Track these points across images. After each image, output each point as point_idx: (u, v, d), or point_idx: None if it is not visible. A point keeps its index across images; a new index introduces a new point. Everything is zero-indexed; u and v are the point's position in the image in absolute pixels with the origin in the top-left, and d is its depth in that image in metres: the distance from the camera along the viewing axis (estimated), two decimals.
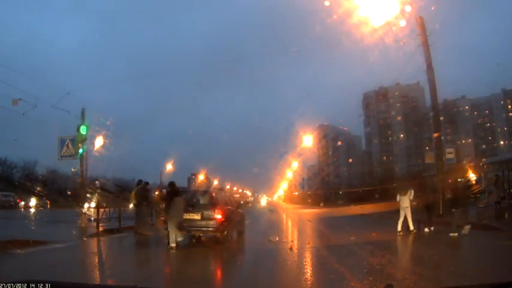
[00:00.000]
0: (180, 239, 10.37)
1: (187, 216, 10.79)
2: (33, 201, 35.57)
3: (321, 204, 42.04)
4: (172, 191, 11.09)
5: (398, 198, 13.11)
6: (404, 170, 67.34)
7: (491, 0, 78.75)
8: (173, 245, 10.09)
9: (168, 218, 10.46)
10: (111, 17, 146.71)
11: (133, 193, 14.71)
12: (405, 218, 12.81)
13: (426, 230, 12.81)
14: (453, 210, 12.98)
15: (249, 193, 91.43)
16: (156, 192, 16.38)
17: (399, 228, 12.74)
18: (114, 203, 18.80)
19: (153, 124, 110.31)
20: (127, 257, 10.12)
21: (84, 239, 12.77)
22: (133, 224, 14.36)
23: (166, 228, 11.07)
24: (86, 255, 10.04)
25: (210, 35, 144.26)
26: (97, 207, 16.64)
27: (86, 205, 19.89)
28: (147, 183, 15.07)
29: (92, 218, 16.20)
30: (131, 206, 16.01)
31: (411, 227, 12.66)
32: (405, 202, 12.83)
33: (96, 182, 20.49)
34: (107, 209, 18.24)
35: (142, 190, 14.38)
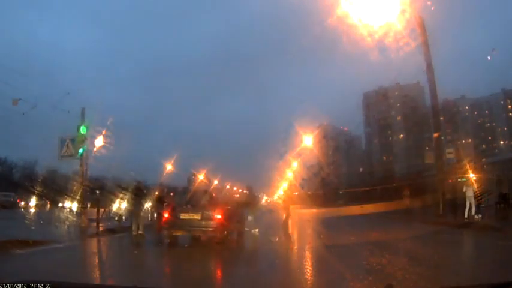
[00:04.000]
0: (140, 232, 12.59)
1: (187, 216, 10.81)
2: (33, 201, 35.55)
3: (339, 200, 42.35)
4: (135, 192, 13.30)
5: (464, 189, 15.27)
6: (404, 170, 67.25)
7: (492, 0, 78.64)
8: (139, 232, 12.57)
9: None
10: (114, 18, 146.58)
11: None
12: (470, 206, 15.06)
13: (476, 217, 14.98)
14: None
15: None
16: (156, 193, 16.36)
17: (466, 215, 14.99)
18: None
19: (153, 124, 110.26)
20: (127, 257, 10.12)
21: (84, 239, 12.78)
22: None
23: (166, 229, 11.18)
24: (86, 255, 10.05)
25: (210, 37, 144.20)
26: (97, 207, 16.65)
27: (68, 204, 19.87)
28: (141, 183, 15.12)
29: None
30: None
31: (473, 213, 14.85)
32: (470, 192, 15.04)
33: (97, 191, 20.42)
34: (106, 209, 18.25)
35: (137, 190, 14.33)
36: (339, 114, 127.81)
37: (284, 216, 14.71)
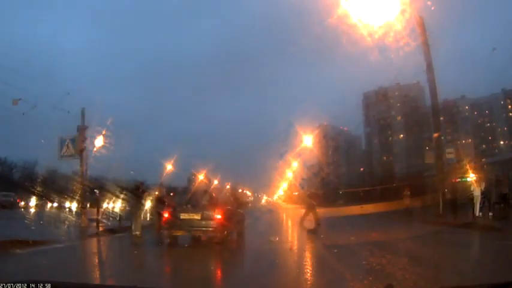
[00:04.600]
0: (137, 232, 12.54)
1: (187, 216, 10.81)
2: (33, 201, 35.57)
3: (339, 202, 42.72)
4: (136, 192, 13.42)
5: (472, 188, 15.57)
6: (404, 170, 67.23)
7: (492, 0, 78.59)
8: (136, 232, 12.51)
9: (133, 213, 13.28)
10: (115, 18, 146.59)
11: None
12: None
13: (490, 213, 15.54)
14: None
15: (249, 193, 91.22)
16: (156, 193, 16.38)
17: (477, 213, 15.23)
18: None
19: (153, 124, 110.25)
20: (127, 257, 10.12)
21: (84, 239, 12.78)
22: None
23: (166, 229, 11.20)
24: (86, 255, 10.05)
25: (210, 37, 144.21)
26: (97, 207, 16.69)
27: (67, 204, 19.87)
28: (141, 183, 15.20)
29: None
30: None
31: (477, 213, 15.15)
32: (477, 191, 15.24)
33: (96, 191, 20.44)
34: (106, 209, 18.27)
35: (136, 190, 14.37)
36: (339, 114, 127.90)
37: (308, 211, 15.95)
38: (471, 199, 15.55)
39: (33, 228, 15.50)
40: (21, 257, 8.56)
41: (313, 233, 13.54)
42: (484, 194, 15.35)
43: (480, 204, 15.18)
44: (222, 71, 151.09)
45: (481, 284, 3.17)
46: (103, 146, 18.20)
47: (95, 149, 18.14)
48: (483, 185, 15.33)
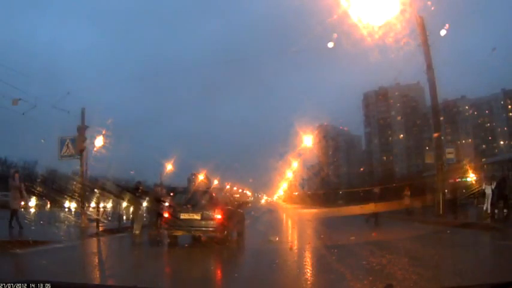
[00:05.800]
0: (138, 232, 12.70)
1: (187, 216, 10.81)
2: (33, 201, 35.52)
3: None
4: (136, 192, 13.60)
5: (483, 186, 15.96)
6: (404, 170, 67.32)
7: (492, 0, 78.60)
8: (136, 232, 12.71)
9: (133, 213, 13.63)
10: (115, 18, 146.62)
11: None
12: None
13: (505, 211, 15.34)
14: None
15: (249, 193, 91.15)
16: (155, 192, 16.37)
17: (484, 208, 15.63)
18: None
19: (153, 124, 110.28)
20: (127, 257, 10.12)
21: (84, 239, 12.78)
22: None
23: (166, 229, 11.22)
24: (86, 255, 10.04)
25: (210, 37, 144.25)
26: (97, 207, 16.68)
27: (67, 204, 19.89)
28: (140, 182, 15.26)
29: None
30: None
31: (489, 210, 15.24)
32: (488, 190, 15.40)
33: (96, 191, 20.40)
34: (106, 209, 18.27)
35: (137, 190, 14.37)
36: (339, 114, 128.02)
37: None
38: (482, 196, 15.68)
39: (33, 228, 15.47)
40: (21, 257, 8.56)
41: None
42: (496, 191, 15.26)
43: (493, 200, 15.03)
44: (222, 71, 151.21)
45: (481, 284, 3.17)
46: (103, 146, 18.20)
47: (95, 149, 18.14)
48: (494, 184, 15.19)
